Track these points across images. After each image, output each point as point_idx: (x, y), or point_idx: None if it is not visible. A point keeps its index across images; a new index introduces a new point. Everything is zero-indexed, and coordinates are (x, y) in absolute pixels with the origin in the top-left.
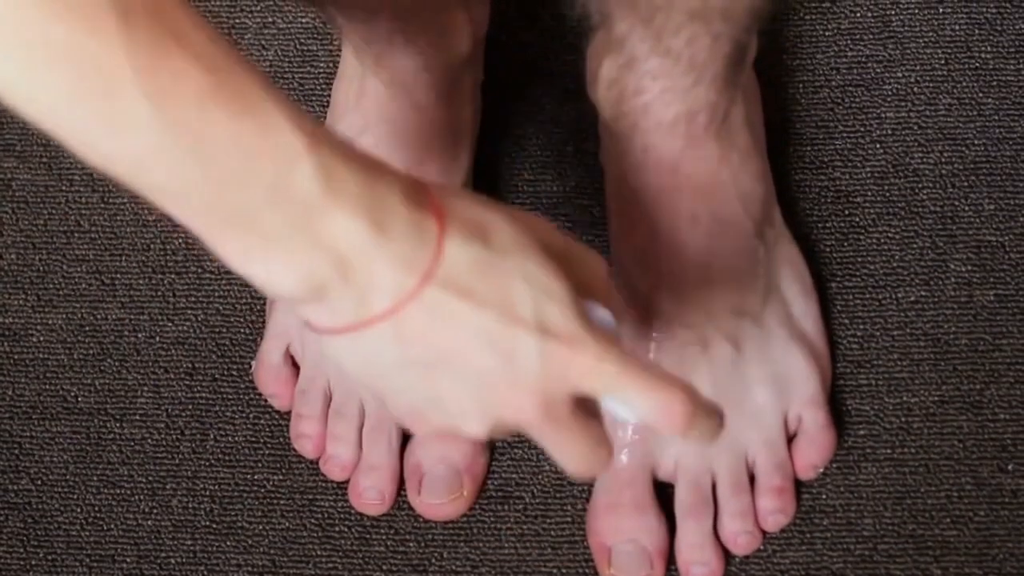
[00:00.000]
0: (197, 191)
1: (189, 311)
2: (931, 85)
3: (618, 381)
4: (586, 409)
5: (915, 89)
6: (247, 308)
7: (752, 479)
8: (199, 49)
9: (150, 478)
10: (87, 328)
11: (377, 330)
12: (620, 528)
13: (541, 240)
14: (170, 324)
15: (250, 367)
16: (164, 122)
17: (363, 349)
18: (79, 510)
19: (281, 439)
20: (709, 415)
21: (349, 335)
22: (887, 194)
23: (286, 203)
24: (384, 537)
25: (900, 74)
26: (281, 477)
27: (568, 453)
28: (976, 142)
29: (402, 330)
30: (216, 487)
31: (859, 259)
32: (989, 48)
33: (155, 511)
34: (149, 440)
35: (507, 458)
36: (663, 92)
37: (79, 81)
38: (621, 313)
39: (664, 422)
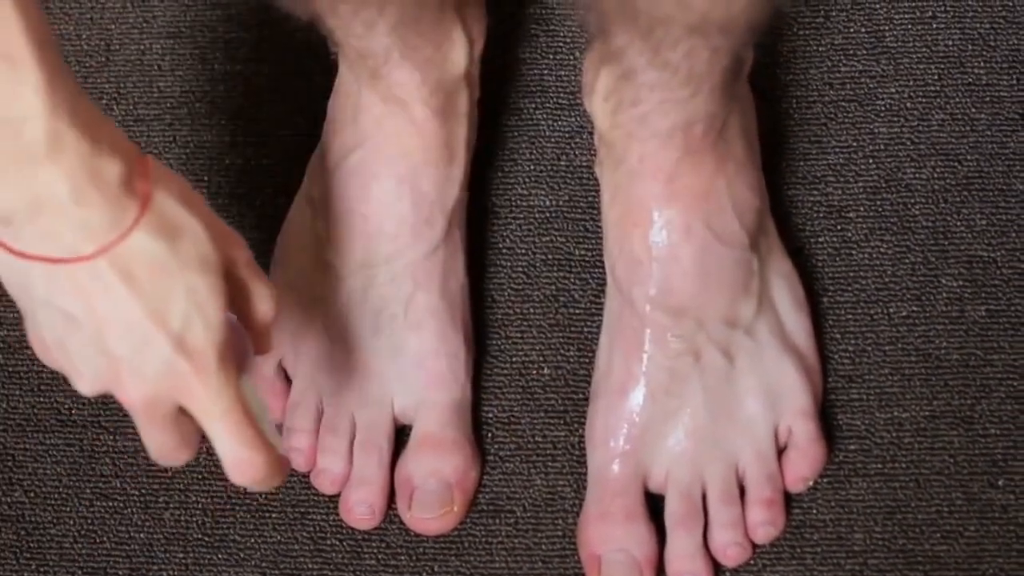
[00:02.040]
0: None
1: None
2: (924, 100)
3: (216, 420)
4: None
5: (908, 104)
6: None
7: (742, 491)
8: None
9: (143, 490)
10: None
11: (40, 267)
12: (610, 537)
13: (228, 262)
14: None
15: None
16: None
17: (21, 274)
18: (72, 522)
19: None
20: (274, 477)
21: (15, 257)
22: (879, 209)
23: (10, 140)
24: (375, 551)
25: (893, 89)
26: (273, 490)
27: (152, 443)
28: (969, 158)
29: (56, 279)
30: (208, 500)
31: (851, 274)
32: (982, 64)
33: (147, 524)
34: (142, 452)
35: (498, 472)
36: (660, 103)
37: None
38: (263, 348)
39: (235, 473)
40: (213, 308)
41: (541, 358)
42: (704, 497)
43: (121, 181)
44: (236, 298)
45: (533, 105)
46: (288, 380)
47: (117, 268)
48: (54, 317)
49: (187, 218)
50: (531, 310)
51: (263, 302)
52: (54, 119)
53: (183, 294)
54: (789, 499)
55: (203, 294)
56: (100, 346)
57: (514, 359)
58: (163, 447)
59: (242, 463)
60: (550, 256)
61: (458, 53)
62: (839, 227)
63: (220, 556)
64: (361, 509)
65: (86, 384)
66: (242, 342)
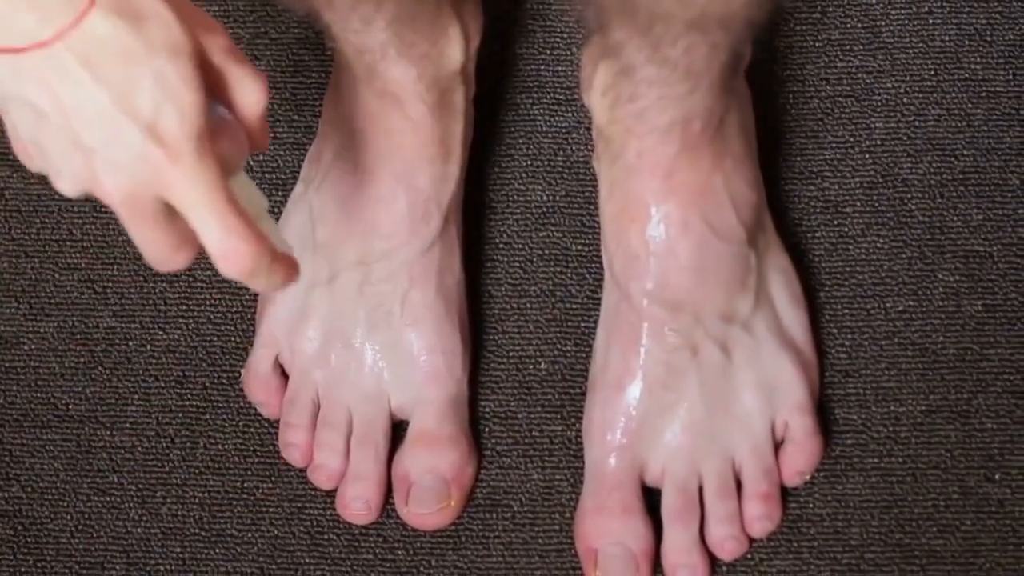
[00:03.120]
0: None
1: (180, 320)
2: (920, 96)
3: (198, 209)
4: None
5: (904, 100)
6: (237, 317)
7: (739, 485)
8: None
9: (140, 486)
10: (78, 336)
11: (2, 60)
12: (607, 531)
13: (203, 48)
14: (161, 333)
15: (240, 376)
16: None
17: None
18: (69, 517)
19: (270, 447)
20: (274, 271)
21: None
22: (876, 204)
23: None
24: (373, 545)
25: (890, 85)
26: (270, 485)
27: (144, 245)
28: (965, 153)
29: (21, 71)
30: (205, 495)
31: (848, 269)
32: (978, 59)
33: (145, 518)
34: (139, 448)
35: (495, 467)
36: (659, 99)
37: None
38: (257, 140)
39: (221, 264)
40: (186, 94)
41: (538, 353)
42: (701, 491)
43: None
44: (220, 88)
45: (530, 100)
46: (285, 376)
47: (77, 54)
48: (26, 113)
49: (151, 3)
50: (528, 305)
51: (249, 91)
52: None
53: (151, 80)
54: (786, 493)
55: (173, 80)
56: (72, 139)
57: (511, 354)
58: (156, 246)
59: (228, 252)
60: (547, 251)
61: (454, 49)
62: (836, 222)
63: (217, 551)
64: (358, 505)
65: (66, 183)
66: (236, 137)
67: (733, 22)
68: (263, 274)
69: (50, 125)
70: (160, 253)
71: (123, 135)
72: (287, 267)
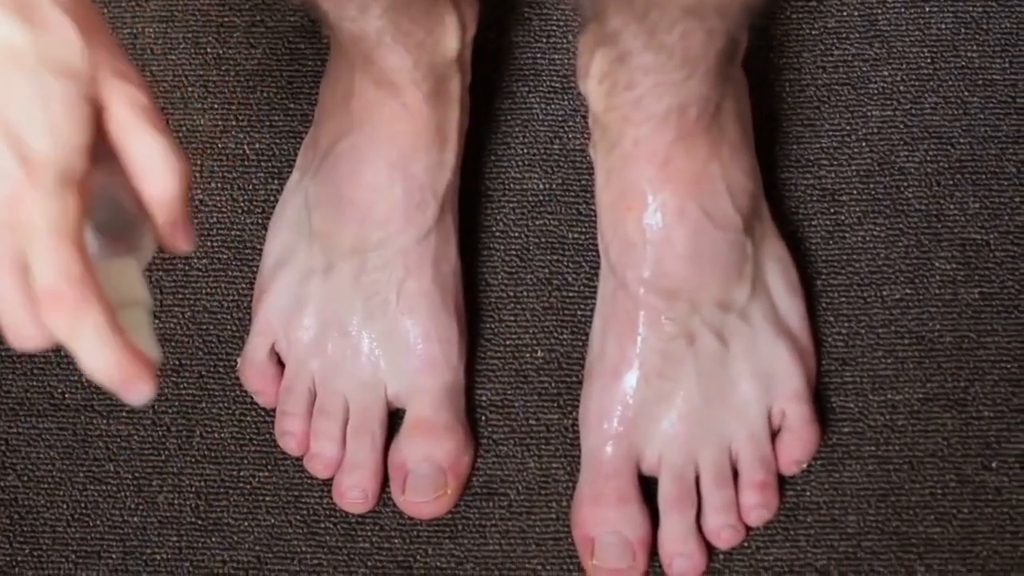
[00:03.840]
0: None
1: (176, 308)
2: (917, 84)
3: (38, 240)
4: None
5: (901, 88)
6: (234, 305)
7: (736, 474)
8: None
9: (136, 474)
10: None
11: None
12: (603, 519)
13: (99, 84)
14: (157, 321)
15: (236, 364)
16: None
17: None
18: (65, 506)
19: (267, 436)
20: (105, 347)
21: None
22: (873, 192)
23: None
24: (369, 534)
25: (886, 73)
26: (267, 474)
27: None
28: (961, 141)
29: None
30: (202, 483)
31: (844, 257)
32: (975, 47)
33: (141, 507)
34: (135, 436)
35: (492, 455)
36: (655, 86)
37: None
38: (171, 241)
39: (43, 304)
40: (65, 120)
41: (535, 341)
42: (697, 480)
43: None
44: (122, 149)
45: (526, 88)
46: (281, 365)
47: None
48: None
49: (56, 13)
50: (525, 293)
51: (157, 167)
52: None
53: (31, 90)
54: (783, 482)
55: (56, 100)
56: None
57: (508, 342)
58: (8, 302)
59: (52, 292)
60: (544, 239)
61: (450, 37)
62: (832, 210)
63: (214, 539)
64: (354, 493)
65: None
66: (132, 217)
67: (730, 8)
68: (96, 348)
69: None
70: (13, 313)
71: None
72: (138, 364)
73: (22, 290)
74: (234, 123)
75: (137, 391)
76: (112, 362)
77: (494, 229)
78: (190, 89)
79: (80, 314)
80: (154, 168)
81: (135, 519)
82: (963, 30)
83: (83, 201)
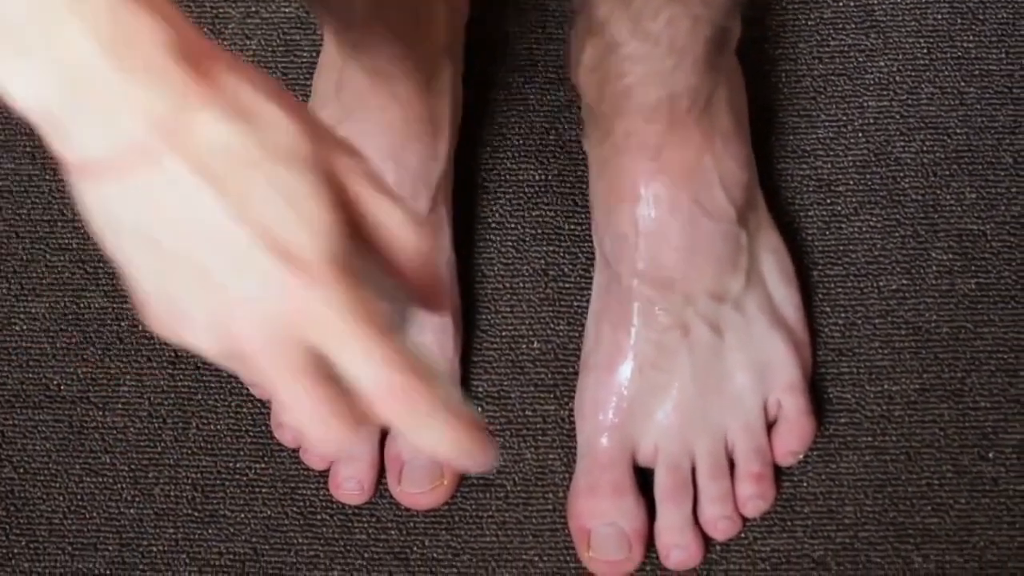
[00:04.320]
0: None
1: None
2: (913, 74)
3: (344, 340)
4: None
5: (897, 78)
6: None
7: (732, 464)
8: None
9: (132, 466)
10: (70, 316)
11: (112, 186)
12: (600, 511)
13: (327, 162)
14: None
15: None
16: None
17: (102, 201)
18: (61, 498)
19: (263, 428)
20: (452, 431)
21: (88, 179)
22: (869, 183)
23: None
24: (366, 525)
25: (882, 63)
26: (263, 465)
27: (296, 412)
28: (958, 131)
29: (134, 192)
30: (198, 475)
31: (841, 247)
32: (971, 37)
33: (137, 499)
34: (132, 428)
35: None
36: (644, 75)
37: None
38: (429, 300)
39: (381, 404)
40: (314, 207)
41: (531, 332)
42: (694, 471)
43: (169, 48)
44: (361, 224)
45: (522, 79)
46: None
47: (191, 162)
48: (145, 253)
49: (267, 105)
50: (520, 284)
51: (398, 227)
52: None
53: (273, 192)
54: (779, 473)
55: (296, 190)
56: (198, 275)
57: (503, 333)
58: (311, 410)
59: (387, 387)
60: (539, 230)
61: (441, 27)
62: (829, 201)
63: (210, 531)
64: (351, 484)
65: (203, 334)
66: (390, 291)
67: None
68: (438, 427)
69: (172, 262)
70: (318, 420)
71: (249, 257)
72: (477, 433)
73: (327, 395)
74: None
75: (486, 457)
76: (455, 437)
77: (490, 220)
78: None
79: (418, 401)
80: (401, 234)
81: (131, 511)
82: (959, 20)
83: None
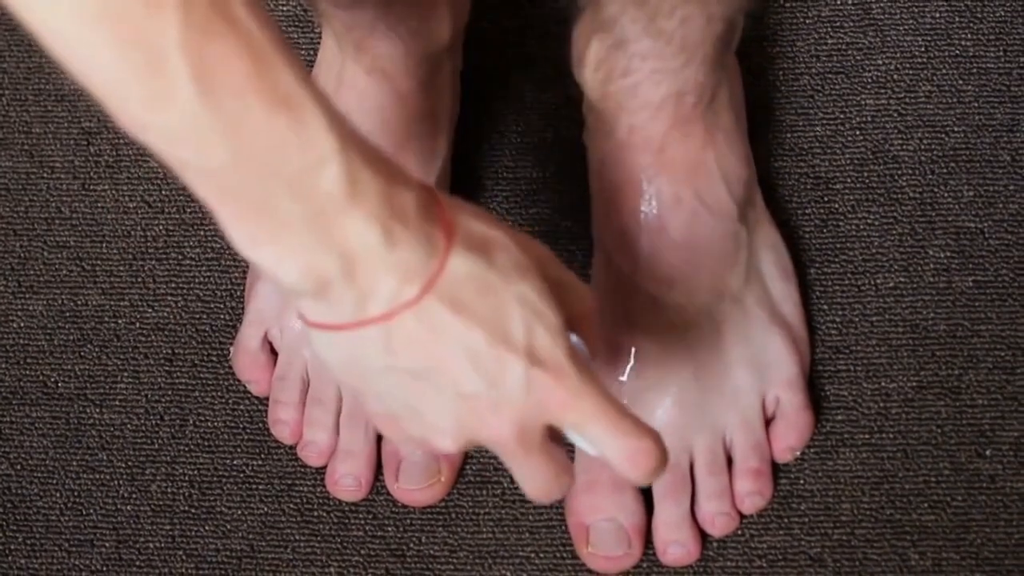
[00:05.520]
0: (223, 174)
1: (169, 297)
2: (911, 72)
3: (593, 420)
4: (553, 436)
5: (895, 76)
6: (227, 295)
7: (730, 461)
8: (249, 34)
9: (129, 463)
10: (67, 314)
11: (368, 333)
12: (598, 506)
13: (539, 265)
14: (150, 310)
15: (229, 353)
16: (203, 104)
17: (351, 349)
18: (58, 495)
19: (260, 424)
20: (665, 463)
21: (340, 333)
22: (866, 181)
23: (307, 198)
24: (362, 522)
25: (880, 61)
26: (260, 462)
27: (533, 479)
28: (955, 129)
29: (393, 337)
30: (195, 472)
31: (838, 245)
32: (969, 36)
33: (134, 496)
34: (128, 425)
35: None
36: (652, 73)
37: (126, 46)
38: (598, 349)
39: (630, 467)
40: (548, 311)
41: None
42: (692, 467)
43: (419, 210)
44: (556, 299)
45: (520, 77)
46: (274, 354)
47: (446, 301)
48: (394, 384)
49: (491, 232)
50: None
51: (582, 297)
52: (347, 158)
53: (516, 306)
54: (776, 469)
55: (533, 299)
56: (453, 392)
57: None
58: (547, 480)
59: (638, 453)
60: (537, 228)
61: (442, 25)
62: (826, 198)
63: (207, 528)
64: (347, 481)
65: (450, 441)
66: (580, 348)
67: None
68: (662, 468)
69: (425, 385)
70: (548, 482)
71: (506, 369)
72: (668, 455)
73: (553, 459)
74: None
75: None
76: (663, 468)
77: None
78: None
79: (660, 456)
80: (583, 295)
81: (128, 508)
82: (957, 19)
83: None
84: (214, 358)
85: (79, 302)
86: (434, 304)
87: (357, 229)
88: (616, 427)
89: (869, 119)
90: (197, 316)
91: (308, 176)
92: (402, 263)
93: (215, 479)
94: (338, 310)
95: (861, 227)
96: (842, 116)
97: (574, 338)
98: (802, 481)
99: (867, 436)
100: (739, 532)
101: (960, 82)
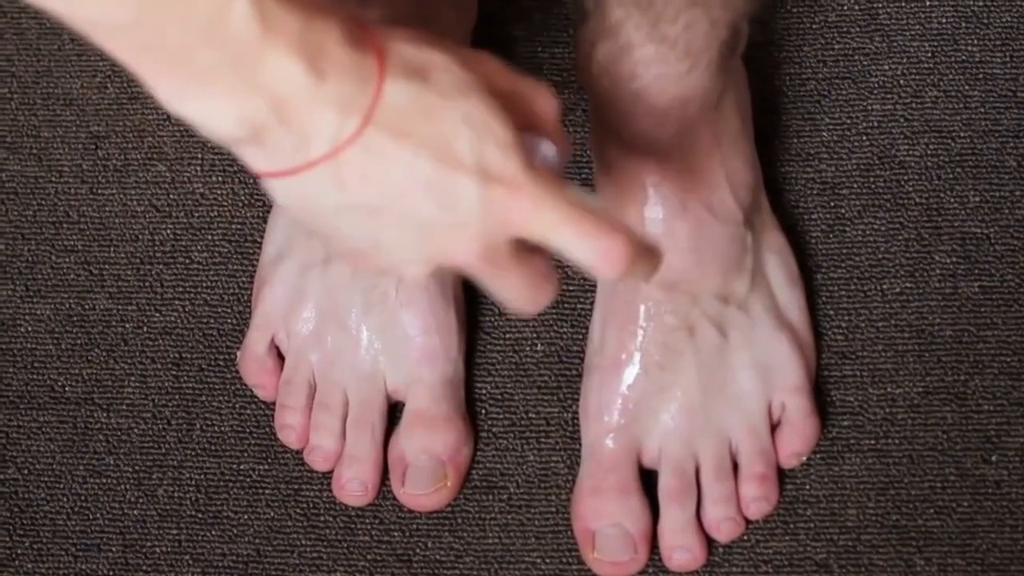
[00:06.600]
0: (132, 28)
1: (176, 301)
2: (917, 78)
3: (558, 226)
4: (529, 246)
5: (901, 82)
6: (234, 299)
7: (736, 466)
8: None
9: (136, 468)
10: (75, 318)
11: (317, 173)
12: (604, 512)
13: (487, 78)
14: (157, 314)
15: (236, 358)
16: None
17: (304, 192)
18: (65, 499)
19: (267, 429)
20: (647, 256)
21: (291, 179)
22: (873, 186)
23: (222, 43)
24: (369, 527)
25: (887, 67)
26: (266, 467)
27: (509, 292)
28: (962, 135)
29: (342, 174)
30: (202, 477)
31: (844, 250)
32: (975, 41)
33: (141, 500)
34: (135, 430)
35: (491, 448)
36: (657, 78)
37: None
38: (567, 147)
39: (603, 266)
40: (497, 125)
41: (534, 334)
42: (697, 472)
43: (346, 40)
44: (511, 109)
45: None
46: (280, 357)
47: (388, 130)
48: (353, 222)
49: (428, 54)
50: None
51: (541, 100)
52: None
53: (462, 125)
54: (782, 475)
55: (480, 116)
56: (409, 221)
57: (507, 335)
58: (522, 289)
59: (606, 252)
60: None
61: (449, 30)
62: (833, 203)
63: (213, 532)
64: (354, 486)
65: (416, 266)
66: (549, 154)
67: None
68: (641, 258)
69: (383, 217)
70: (528, 293)
71: (460, 190)
72: (654, 251)
73: (528, 270)
74: None
75: (660, 265)
76: (654, 267)
77: None
78: None
79: (631, 250)
80: (541, 96)
81: (135, 512)
82: (964, 24)
83: (544, 170)
84: (221, 362)
85: (86, 306)
86: (376, 134)
87: (279, 67)
88: (581, 229)
89: (875, 124)
90: (204, 320)
91: (218, 19)
92: (335, 97)
93: (222, 483)
94: (281, 155)
95: (867, 232)
96: (848, 121)
97: (542, 143)
98: (808, 486)
99: (873, 441)
100: (745, 537)
101: (967, 87)
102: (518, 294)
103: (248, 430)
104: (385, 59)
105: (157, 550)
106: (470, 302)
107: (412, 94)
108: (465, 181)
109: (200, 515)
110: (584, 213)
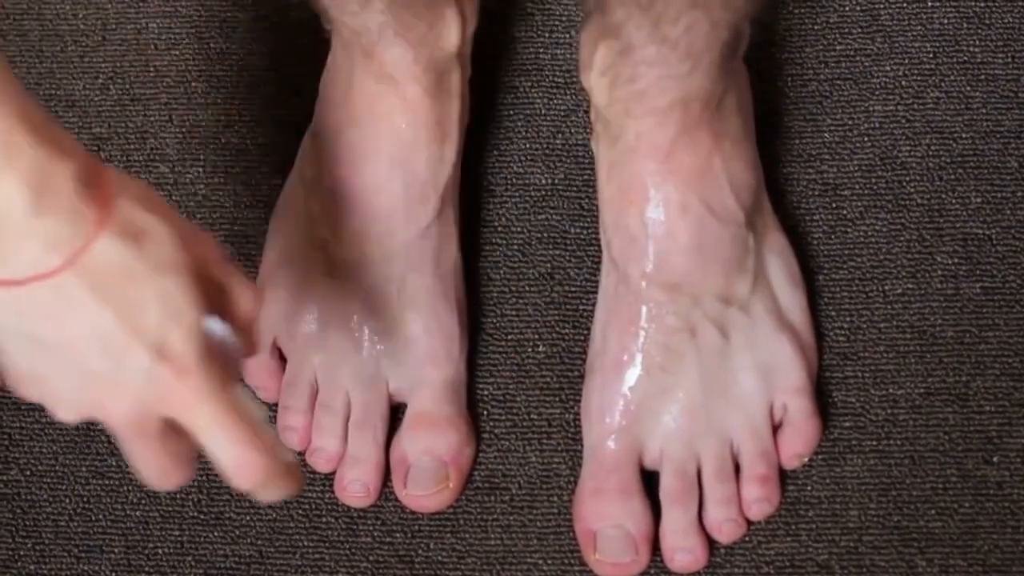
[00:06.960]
0: None
1: None
2: (919, 79)
3: (209, 424)
4: (179, 428)
5: (903, 83)
6: None
7: (737, 467)
8: None
9: None
10: None
11: (4, 294)
12: (605, 513)
13: (200, 261)
14: None
15: None
16: None
17: None
18: (68, 501)
19: None
20: (285, 480)
21: None
22: (875, 187)
23: None
24: (371, 528)
25: (888, 68)
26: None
27: (141, 462)
28: (963, 136)
29: (25, 304)
30: (204, 478)
31: (846, 251)
32: (977, 42)
33: (143, 502)
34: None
35: (494, 449)
36: (659, 79)
37: None
38: (251, 350)
39: (235, 476)
40: (189, 311)
41: (536, 336)
42: (699, 473)
43: (77, 185)
44: (215, 299)
45: (529, 83)
46: (283, 360)
47: (85, 280)
48: (25, 346)
49: (151, 221)
50: (526, 288)
51: (243, 299)
52: (4, 123)
53: (156, 300)
54: (784, 476)
55: (176, 297)
56: (76, 367)
57: (509, 337)
58: (156, 466)
59: (242, 465)
60: (545, 234)
61: (451, 31)
62: (834, 204)
63: (216, 533)
64: (356, 487)
65: (66, 411)
66: (231, 349)
67: None
68: (273, 484)
69: (52, 355)
70: (160, 472)
71: (131, 356)
72: (294, 477)
73: (168, 452)
74: (237, 118)
75: (298, 491)
76: (287, 492)
77: (496, 224)
78: (193, 84)
79: (267, 472)
80: (244, 295)
81: (137, 513)
82: (965, 25)
83: (218, 365)
84: None
85: None
86: (71, 280)
87: (7, 192)
88: (230, 435)
89: (877, 125)
90: None
91: None
92: (47, 234)
93: (224, 485)
94: None
95: (869, 233)
96: (850, 122)
97: (216, 322)
98: (809, 488)
99: (875, 443)
100: (747, 539)
101: (968, 88)
102: (148, 468)
103: None
104: (110, 213)
105: (159, 551)
106: (472, 304)
107: (120, 254)
108: (140, 351)
109: (202, 516)
110: (238, 421)
